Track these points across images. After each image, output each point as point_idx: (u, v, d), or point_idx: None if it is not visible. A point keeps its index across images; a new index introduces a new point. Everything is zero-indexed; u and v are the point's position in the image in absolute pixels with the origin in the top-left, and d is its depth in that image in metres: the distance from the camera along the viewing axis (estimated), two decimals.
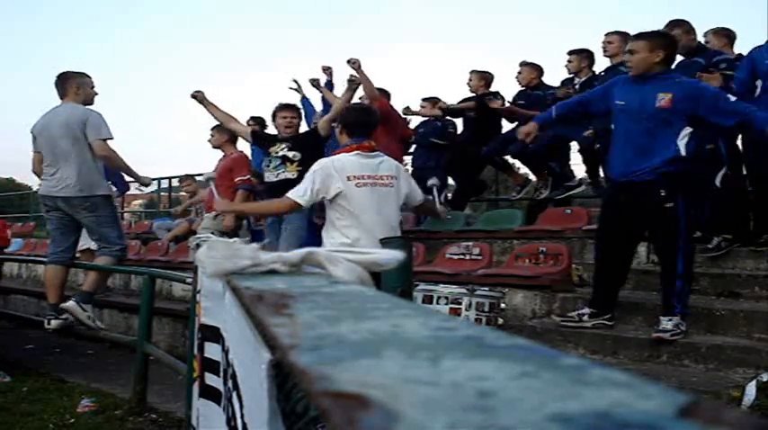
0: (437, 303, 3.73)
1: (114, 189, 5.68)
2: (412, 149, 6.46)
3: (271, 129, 5.43)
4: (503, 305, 3.95)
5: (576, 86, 5.36)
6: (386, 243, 3.10)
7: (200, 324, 1.51)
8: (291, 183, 3.76)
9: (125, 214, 12.53)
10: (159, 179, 11.50)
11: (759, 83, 4.09)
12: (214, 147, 5.73)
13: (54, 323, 4.48)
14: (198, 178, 7.97)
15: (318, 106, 6.15)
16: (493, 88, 6.15)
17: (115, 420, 3.65)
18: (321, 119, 5.01)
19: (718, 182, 4.32)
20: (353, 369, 0.32)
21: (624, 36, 4.64)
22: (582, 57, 5.42)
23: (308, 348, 0.36)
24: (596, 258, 3.94)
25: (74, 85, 4.47)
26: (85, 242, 5.42)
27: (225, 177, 5.45)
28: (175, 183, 10.45)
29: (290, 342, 0.38)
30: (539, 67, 5.97)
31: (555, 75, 24.48)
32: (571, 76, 5.58)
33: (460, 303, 3.72)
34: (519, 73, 5.93)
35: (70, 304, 4.37)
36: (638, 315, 3.96)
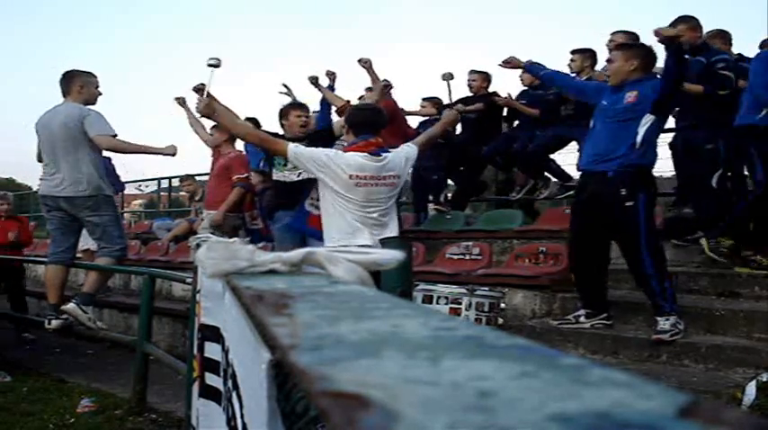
0: (437, 303, 3.73)
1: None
2: None
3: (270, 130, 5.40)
4: (503, 305, 3.95)
5: None
6: (386, 243, 3.11)
7: (200, 324, 1.51)
8: (312, 182, 3.75)
9: (125, 214, 12.51)
10: (159, 179, 11.49)
11: None
12: (213, 146, 5.73)
13: (54, 323, 4.47)
14: (198, 178, 7.97)
15: (315, 106, 6.13)
16: (492, 88, 6.17)
17: (115, 420, 3.65)
18: (336, 121, 4.98)
19: (714, 182, 4.33)
20: (353, 369, 0.32)
21: (590, 53, 5.33)
22: (585, 56, 5.43)
23: (308, 348, 0.36)
24: (569, 257, 4.07)
25: (77, 84, 4.46)
26: (86, 242, 5.42)
27: (222, 176, 5.45)
28: (175, 182, 10.44)
29: (289, 342, 0.38)
30: None
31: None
32: (573, 74, 5.58)
33: (460, 303, 3.72)
34: (521, 73, 5.94)
35: (70, 306, 4.35)
36: (637, 315, 3.96)
